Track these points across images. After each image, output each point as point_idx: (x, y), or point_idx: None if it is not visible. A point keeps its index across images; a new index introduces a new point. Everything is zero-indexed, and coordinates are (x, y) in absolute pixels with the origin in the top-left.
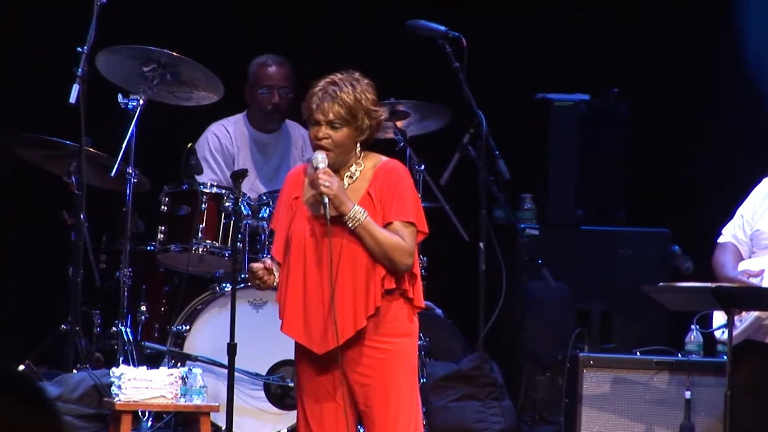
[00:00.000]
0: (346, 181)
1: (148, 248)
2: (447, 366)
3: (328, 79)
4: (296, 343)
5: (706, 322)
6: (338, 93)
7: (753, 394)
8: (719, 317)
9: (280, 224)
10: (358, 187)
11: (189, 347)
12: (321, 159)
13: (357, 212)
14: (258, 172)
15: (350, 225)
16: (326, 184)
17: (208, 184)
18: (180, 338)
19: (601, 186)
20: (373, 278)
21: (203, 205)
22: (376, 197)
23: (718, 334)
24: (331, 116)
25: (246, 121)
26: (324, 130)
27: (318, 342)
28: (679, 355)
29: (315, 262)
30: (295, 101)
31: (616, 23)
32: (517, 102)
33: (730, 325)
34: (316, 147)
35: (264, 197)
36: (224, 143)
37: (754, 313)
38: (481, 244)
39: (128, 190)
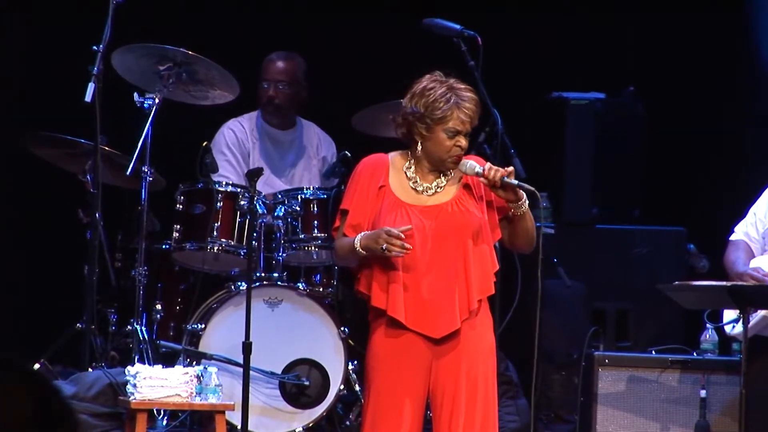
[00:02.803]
0: (443, 179)
1: (164, 247)
2: None
3: (448, 83)
4: (375, 332)
5: (717, 317)
6: (476, 101)
7: (767, 392)
8: (729, 312)
9: (360, 211)
10: (454, 181)
11: (204, 346)
12: (473, 164)
13: (524, 195)
14: (273, 168)
15: (519, 210)
16: (509, 168)
17: (224, 183)
18: (195, 337)
19: (617, 184)
20: (485, 264)
21: (218, 204)
22: (479, 189)
23: (727, 329)
24: (469, 127)
25: (260, 117)
26: (464, 142)
27: (434, 326)
28: (695, 353)
29: (425, 248)
30: (309, 99)
31: (632, 21)
32: (532, 100)
33: (745, 324)
34: (453, 157)
35: (280, 196)
36: (240, 138)
37: (762, 311)
38: (497, 243)
39: (144, 189)
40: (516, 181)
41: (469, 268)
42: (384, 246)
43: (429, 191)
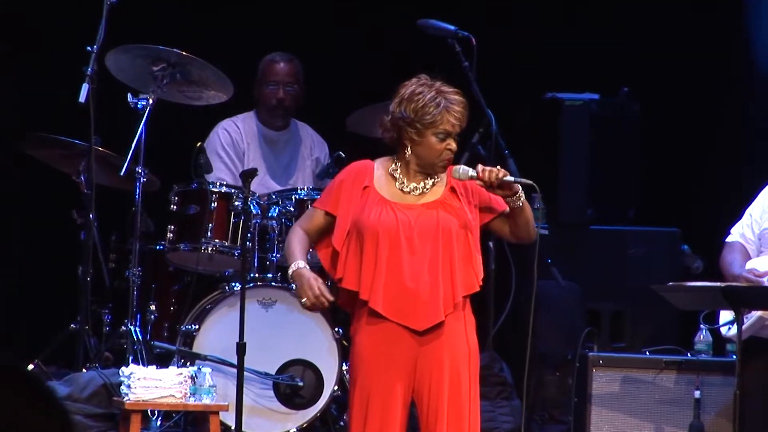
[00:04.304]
0: (430, 181)
1: (158, 247)
2: None
3: (436, 86)
4: (360, 327)
5: (713, 319)
6: (464, 103)
7: (762, 393)
8: (725, 314)
9: (342, 211)
10: (440, 184)
11: (198, 346)
12: (466, 169)
13: (519, 188)
14: (268, 169)
15: (518, 203)
16: (502, 170)
17: (218, 183)
18: (189, 337)
19: (611, 185)
20: (470, 262)
21: (213, 204)
22: (467, 193)
23: (723, 330)
24: (458, 129)
25: (255, 118)
26: (455, 145)
27: (417, 318)
28: (689, 354)
29: (411, 244)
30: (304, 100)
31: (627, 22)
32: (526, 101)
33: (739, 324)
34: (444, 161)
35: (274, 196)
36: (234, 138)
37: (758, 312)
38: (491, 244)
39: (138, 190)
40: (513, 178)
41: (453, 263)
42: (304, 299)
43: (416, 192)
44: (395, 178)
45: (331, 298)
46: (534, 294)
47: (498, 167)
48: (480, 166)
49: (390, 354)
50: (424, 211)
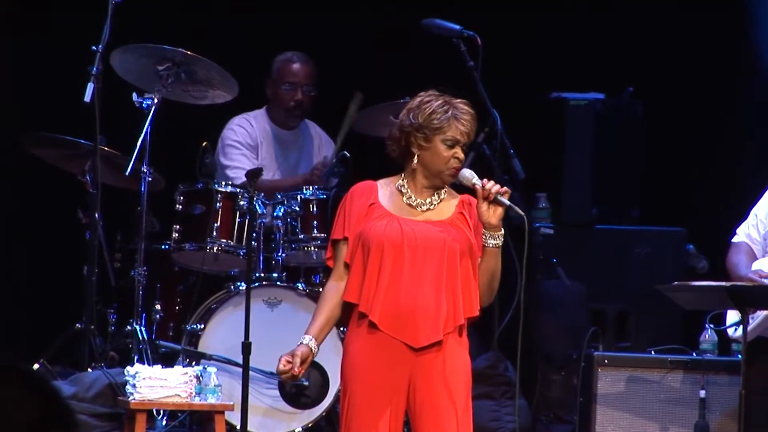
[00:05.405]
0: (437, 197)
1: (163, 247)
2: None
3: (444, 97)
4: (355, 338)
5: (720, 320)
6: (473, 114)
7: (767, 393)
8: (732, 315)
9: (353, 230)
10: (446, 207)
11: (204, 346)
12: (472, 173)
13: (503, 230)
14: (278, 168)
15: (492, 241)
16: (504, 189)
17: (223, 183)
18: (195, 337)
19: (616, 185)
20: (472, 285)
21: (218, 204)
22: (473, 218)
23: (730, 331)
24: (467, 139)
25: (267, 116)
26: (462, 154)
27: (415, 335)
28: (694, 354)
29: (415, 259)
30: (316, 101)
31: (631, 22)
32: (531, 101)
33: (744, 324)
34: (451, 169)
35: (279, 196)
36: (250, 133)
37: (764, 312)
38: None
39: (143, 189)
40: (508, 202)
41: (457, 283)
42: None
43: (422, 207)
44: (402, 193)
45: (295, 373)
46: (521, 294)
47: (503, 188)
48: (485, 179)
49: (384, 368)
50: (431, 226)
